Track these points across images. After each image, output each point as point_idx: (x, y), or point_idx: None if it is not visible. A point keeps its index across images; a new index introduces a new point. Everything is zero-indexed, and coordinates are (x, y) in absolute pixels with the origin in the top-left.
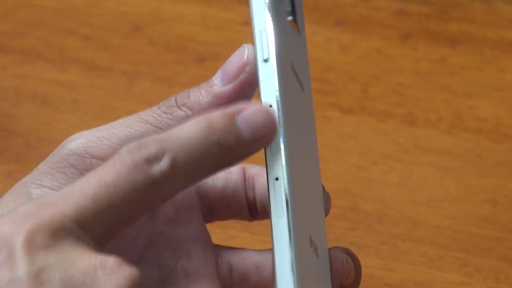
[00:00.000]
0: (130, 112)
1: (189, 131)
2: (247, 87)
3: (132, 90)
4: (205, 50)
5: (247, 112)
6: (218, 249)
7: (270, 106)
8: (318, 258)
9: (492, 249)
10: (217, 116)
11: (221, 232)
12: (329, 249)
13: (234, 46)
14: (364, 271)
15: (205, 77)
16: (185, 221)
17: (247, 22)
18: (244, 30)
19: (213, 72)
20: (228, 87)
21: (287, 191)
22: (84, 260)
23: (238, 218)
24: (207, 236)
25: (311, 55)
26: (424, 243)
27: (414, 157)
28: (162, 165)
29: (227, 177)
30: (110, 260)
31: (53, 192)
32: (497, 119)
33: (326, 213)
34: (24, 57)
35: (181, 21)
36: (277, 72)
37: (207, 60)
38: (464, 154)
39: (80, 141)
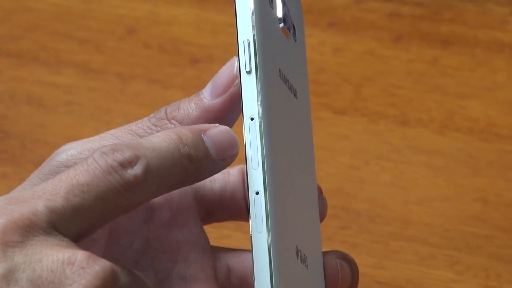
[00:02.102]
0: (124, 114)
1: (162, 141)
2: (236, 101)
3: (126, 92)
4: (199, 52)
5: (212, 131)
6: (216, 251)
7: (252, 119)
8: (307, 268)
9: (483, 247)
10: (187, 131)
11: (214, 231)
12: (323, 254)
13: (227, 48)
14: None
15: (199, 79)
16: (182, 225)
17: None
18: None
19: (207, 74)
20: (217, 101)
21: (267, 205)
22: (52, 257)
23: (237, 219)
24: (204, 239)
25: None
26: (415, 242)
27: (406, 157)
28: (136, 169)
29: (225, 179)
30: (78, 256)
31: (25, 189)
32: (488, 119)
33: (322, 218)
34: (20, 60)
35: (175, 23)
36: (260, 84)
37: (201, 62)
38: (455, 154)
39: (70, 152)
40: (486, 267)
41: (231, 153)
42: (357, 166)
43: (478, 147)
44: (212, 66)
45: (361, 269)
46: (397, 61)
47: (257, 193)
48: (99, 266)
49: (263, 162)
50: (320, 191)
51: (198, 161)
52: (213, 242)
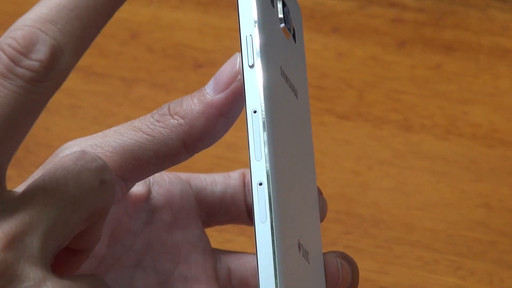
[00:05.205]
0: (127, 118)
1: None
2: (239, 96)
3: (129, 96)
4: (202, 57)
5: None
6: (217, 253)
7: (255, 111)
8: (308, 263)
9: (486, 253)
10: None
11: (218, 235)
12: (324, 254)
13: (230, 53)
14: (360, 274)
15: (202, 84)
16: (183, 226)
17: None
18: None
19: (210, 79)
20: (220, 96)
21: (271, 196)
22: None
23: (237, 223)
24: (205, 241)
25: (307, 62)
26: (419, 247)
27: (409, 162)
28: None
29: (226, 183)
30: None
31: None
32: (492, 125)
33: (322, 218)
34: None
35: (178, 28)
36: (263, 77)
37: (204, 67)
38: (458, 159)
39: (74, 149)
40: (489, 272)
41: None
42: (360, 171)
43: (481, 152)
44: (215, 70)
45: (364, 274)
46: (400, 66)
47: (260, 184)
48: None
49: (266, 154)
50: (319, 192)
51: None
52: (217, 246)
